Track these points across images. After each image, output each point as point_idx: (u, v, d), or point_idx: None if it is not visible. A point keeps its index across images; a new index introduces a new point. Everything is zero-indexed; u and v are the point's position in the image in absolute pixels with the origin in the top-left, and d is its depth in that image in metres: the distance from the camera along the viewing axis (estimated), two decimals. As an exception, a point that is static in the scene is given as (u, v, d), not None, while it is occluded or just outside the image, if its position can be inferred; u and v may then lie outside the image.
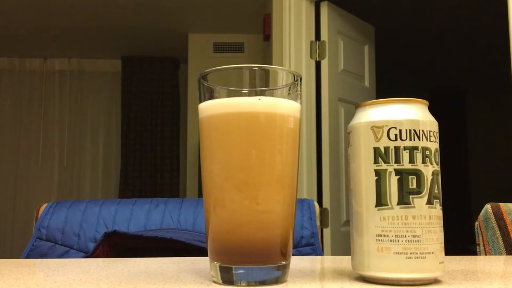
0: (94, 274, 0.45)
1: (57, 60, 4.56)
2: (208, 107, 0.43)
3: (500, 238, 0.80)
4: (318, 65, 2.51)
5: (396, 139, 0.40)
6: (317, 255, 0.89)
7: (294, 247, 0.87)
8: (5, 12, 3.50)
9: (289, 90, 0.43)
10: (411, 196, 0.39)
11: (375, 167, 0.40)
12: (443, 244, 0.40)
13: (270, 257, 0.40)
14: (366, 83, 2.82)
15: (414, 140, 0.40)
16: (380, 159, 0.40)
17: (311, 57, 2.50)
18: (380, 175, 0.40)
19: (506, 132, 5.24)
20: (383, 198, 0.40)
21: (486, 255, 0.81)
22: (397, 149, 0.40)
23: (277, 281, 0.40)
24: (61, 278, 0.44)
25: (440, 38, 4.10)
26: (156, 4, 3.44)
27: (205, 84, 0.43)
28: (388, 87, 3.75)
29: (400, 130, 0.40)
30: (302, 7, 2.51)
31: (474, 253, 0.85)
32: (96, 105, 4.60)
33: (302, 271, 0.48)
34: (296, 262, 0.53)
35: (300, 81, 0.44)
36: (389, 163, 0.40)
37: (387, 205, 0.39)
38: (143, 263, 0.53)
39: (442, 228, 0.41)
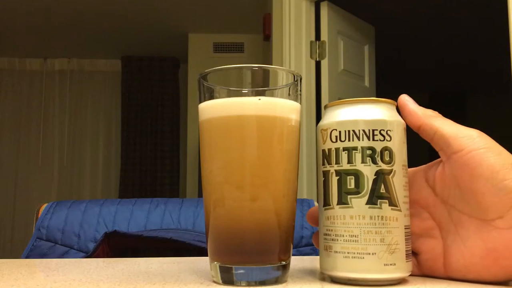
0: (94, 274, 0.45)
1: (57, 60, 4.56)
2: (208, 107, 0.43)
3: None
4: (318, 65, 2.51)
5: (336, 141, 0.40)
6: (317, 255, 0.89)
7: (294, 247, 0.87)
8: (5, 12, 3.50)
9: (289, 90, 0.43)
10: (349, 196, 0.39)
11: (323, 168, 0.41)
12: (396, 246, 0.38)
13: (270, 257, 0.40)
14: (366, 83, 2.82)
15: (352, 140, 0.39)
16: (325, 161, 0.41)
17: (311, 57, 2.50)
18: (326, 177, 0.41)
19: (506, 132, 5.24)
20: (327, 198, 0.40)
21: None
22: (337, 150, 0.40)
23: (277, 281, 0.40)
24: (61, 278, 0.44)
25: (440, 38, 4.10)
26: (156, 4, 3.44)
27: (205, 84, 0.43)
28: (388, 87, 3.74)
29: (340, 132, 0.40)
30: (302, 7, 2.51)
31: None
32: (96, 105, 4.61)
33: (302, 271, 0.48)
34: (296, 262, 0.53)
35: (300, 81, 0.44)
36: (331, 164, 0.40)
37: (330, 205, 0.40)
38: (143, 263, 0.53)
39: (396, 230, 0.39)
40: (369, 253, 0.38)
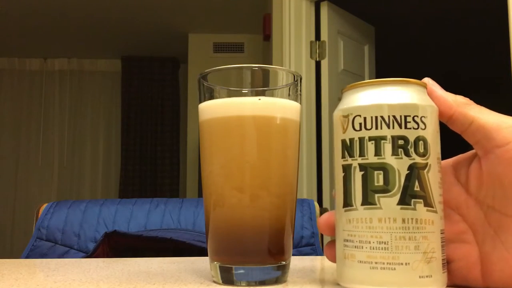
0: (94, 274, 0.45)
1: (57, 60, 4.56)
2: (208, 107, 0.43)
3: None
4: (318, 65, 2.51)
5: (360, 129, 0.34)
6: (317, 255, 0.89)
7: (294, 247, 0.87)
8: (5, 12, 3.50)
9: (289, 90, 0.43)
10: (376, 195, 0.33)
11: (342, 162, 0.35)
12: (432, 255, 0.32)
13: (270, 257, 0.40)
14: (366, 83, 2.82)
15: (381, 128, 0.33)
16: (346, 153, 0.34)
17: (311, 57, 2.50)
18: (346, 172, 0.34)
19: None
20: (348, 197, 0.34)
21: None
22: (361, 140, 0.33)
23: (277, 281, 0.40)
24: (61, 278, 0.44)
25: (440, 38, 4.10)
26: (156, 4, 3.44)
27: (205, 84, 0.43)
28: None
29: (365, 118, 0.33)
30: (302, 7, 2.51)
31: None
32: (96, 105, 4.61)
33: (302, 271, 0.48)
34: (296, 262, 0.53)
35: (300, 81, 0.44)
36: (354, 157, 0.34)
37: (352, 205, 0.34)
38: (143, 263, 0.53)
39: (432, 235, 0.33)
40: (402, 263, 0.32)
